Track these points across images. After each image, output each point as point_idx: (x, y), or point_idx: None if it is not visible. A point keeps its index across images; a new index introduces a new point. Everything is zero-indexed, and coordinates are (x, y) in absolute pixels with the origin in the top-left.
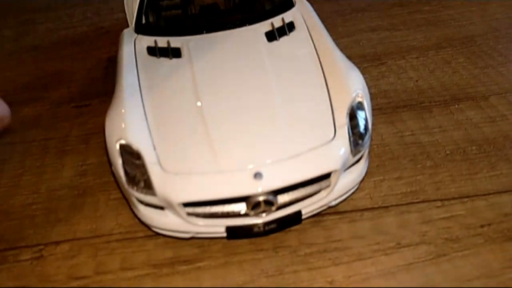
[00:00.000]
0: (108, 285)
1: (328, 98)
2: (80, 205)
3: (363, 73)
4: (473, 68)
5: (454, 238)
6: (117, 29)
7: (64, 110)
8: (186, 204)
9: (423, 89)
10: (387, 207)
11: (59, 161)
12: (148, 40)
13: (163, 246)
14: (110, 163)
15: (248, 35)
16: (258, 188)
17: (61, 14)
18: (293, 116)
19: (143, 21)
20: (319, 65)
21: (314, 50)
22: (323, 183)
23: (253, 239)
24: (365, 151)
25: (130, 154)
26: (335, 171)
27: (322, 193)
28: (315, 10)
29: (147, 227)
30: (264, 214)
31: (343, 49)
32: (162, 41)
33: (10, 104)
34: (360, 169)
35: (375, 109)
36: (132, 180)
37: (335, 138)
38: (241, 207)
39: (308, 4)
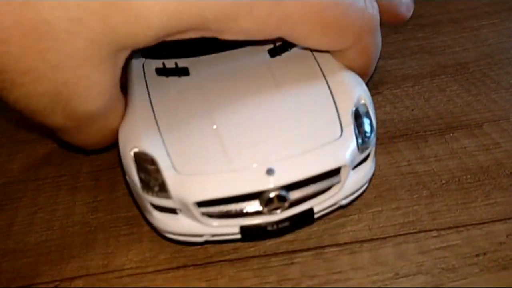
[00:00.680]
0: None
1: (332, 102)
2: (92, 241)
3: None
4: (466, 95)
5: (451, 268)
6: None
7: (74, 147)
8: (201, 204)
9: (419, 118)
10: (385, 238)
11: (71, 198)
12: (156, 63)
13: (172, 281)
14: (124, 173)
15: (252, 52)
16: (271, 183)
17: None
18: (300, 118)
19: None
20: (322, 74)
21: (315, 61)
22: (333, 179)
23: (257, 272)
24: (371, 149)
25: (144, 161)
26: (345, 166)
27: (333, 190)
28: None
29: (161, 235)
30: (278, 211)
31: None
32: (169, 63)
33: (23, 142)
34: (367, 168)
35: None
36: (147, 186)
37: (342, 135)
38: (255, 205)
39: None
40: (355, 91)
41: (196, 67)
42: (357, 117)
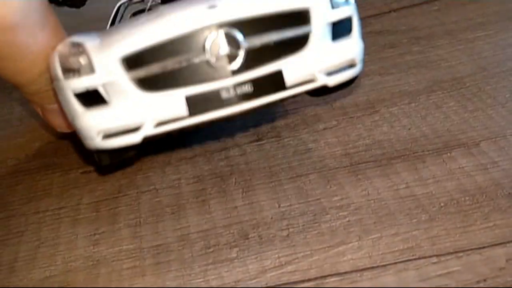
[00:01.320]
0: None
1: None
2: (95, 276)
3: (356, 122)
4: (463, 112)
5: None
6: None
7: (74, 176)
8: (130, 66)
9: (416, 137)
10: (385, 265)
11: (73, 231)
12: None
13: None
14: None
15: None
16: (212, 18)
17: None
18: None
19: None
20: None
21: None
22: (301, 29)
23: None
24: (352, 14)
25: (69, 49)
26: (312, 8)
27: (305, 48)
28: None
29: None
30: (234, 66)
31: (335, 97)
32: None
33: (23, 172)
34: (352, 42)
35: (369, 162)
36: (69, 70)
37: None
38: (199, 56)
39: None
40: None
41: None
42: None
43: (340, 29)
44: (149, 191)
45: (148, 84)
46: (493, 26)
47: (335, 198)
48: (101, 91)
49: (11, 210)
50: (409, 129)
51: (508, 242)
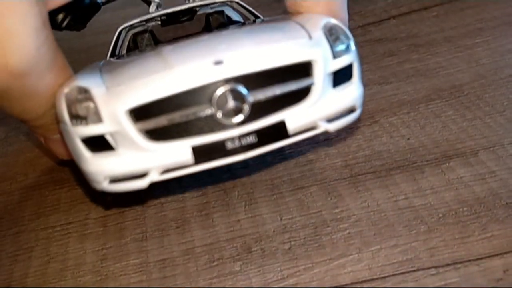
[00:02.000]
0: None
1: (299, 25)
2: None
3: (356, 133)
4: (461, 120)
5: None
6: None
7: (81, 191)
8: (137, 117)
9: (415, 147)
10: (384, 277)
11: (81, 246)
12: (118, 56)
13: None
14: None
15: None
16: (219, 74)
17: None
18: (259, 31)
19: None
20: (289, 19)
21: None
22: (304, 81)
23: None
24: (353, 62)
25: (75, 94)
26: (315, 61)
27: (308, 99)
28: None
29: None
30: (239, 118)
31: None
32: (129, 52)
33: (32, 188)
34: (353, 88)
35: (369, 173)
36: (77, 117)
37: (312, 39)
38: (205, 110)
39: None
40: (323, 17)
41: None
42: (330, 30)
43: (341, 76)
44: (155, 205)
45: (155, 134)
46: (491, 31)
47: (336, 210)
48: (109, 138)
49: (21, 226)
50: (408, 139)
51: (506, 253)
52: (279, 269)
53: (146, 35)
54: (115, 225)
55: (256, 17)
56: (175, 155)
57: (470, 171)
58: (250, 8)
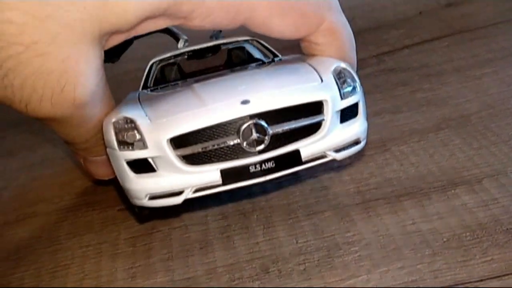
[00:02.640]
0: None
1: (312, 68)
2: None
3: (368, 161)
4: (468, 149)
5: None
6: None
7: (112, 214)
8: (176, 145)
9: (423, 175)
10: None
11: (113, 264)
12: (152, 89)
13: None
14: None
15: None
16: (245, 111)
17: None
18: (277, 73)
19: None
20: (303, 61)
21: (298, 60)
22: (316, 117)
23: None
24: (358, 101)
25: (122, 123)
26: (325, 101)
27: (319, 132)
28: None
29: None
30: (260, 147)
31: None
32: (162, 85)
33: (66, 209)
34: (358, 124)
35: (379, 199)
36: (124, 143)
37: (323, 82)
38: (233, 139)
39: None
40: (334, 61)
41: (187, 82)
42: (338, 74)
43: (347, 113)
44: (180, 227)
45: (191, 159)
46: (499, 62)
47: (348, 234)
48: (151, 162)
49: (58, 244)
50: (417, 167)
51: (504, 275)
52: None
53: (174, 67)
54: (143, 246)
55: (274, 55)
56: (206, 177)
57: (474, 198)
58: (269, 46)
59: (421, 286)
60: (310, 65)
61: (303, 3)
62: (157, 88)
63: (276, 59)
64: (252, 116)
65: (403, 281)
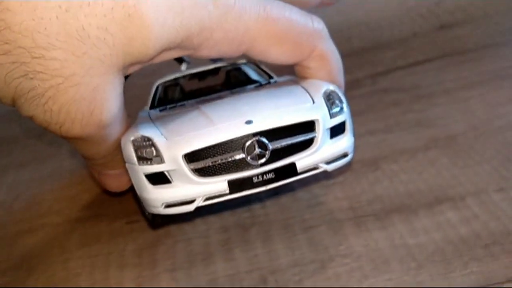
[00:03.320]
0: None
1: (305, 91)
2: None
3: (361, 178)
4: (454, 168)
5: None
6: None
7: (119, 226)
8: (190, 160)
9: (412, 192)
10: None
11: (120, 274)
12: (160, 109)
13: None
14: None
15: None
16: (249, 130)
17: None
18: (275, 96)
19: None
20: (297, 83)
21: (293, 83)
22: (308, 134)
23: None
24: (345, 120)
25: (141, 142)
26: (317, 120)
27: (311, 147)
28: None
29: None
30: (262, 160)
31: None
32: (170, 105)
33: (75, 220)
34: (345, 139)
35: (370, 215)
36: (143, 159)
37: (314, 103)
38: (239, 154)
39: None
40: (324, 84)
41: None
42: (328, 96)
43: (336, 130)
44: (183, 240)
45: (202, 172)
46: (486, 84)
47: (341, 247)
48: (167, 174)
49: (68, 254)
50: (406, 184)
51: (482, 287)
52: None
53: (177, 88)
54: (149, 257)
55: (270, 76)
56: (215, 187)
57: (457, 214)
58: (265, 68)
59: None
60: (303, 87)
61: (297, 34)
62: (165, 108)
63: (271, 80)
64: (255, 134)
65: None
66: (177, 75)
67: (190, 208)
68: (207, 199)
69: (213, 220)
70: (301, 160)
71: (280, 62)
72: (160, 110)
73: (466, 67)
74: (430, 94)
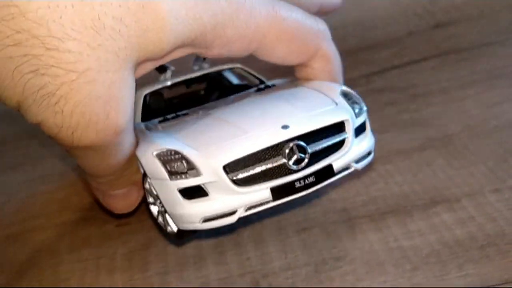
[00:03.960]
0: None
1: (321, 93)
2: None
3: (355, 180)
4: (449, 169)
5: None
6: None
7: (109, 229)
8: (229, 170)
9: (407, 193)
10: None
11: (111, 278)
12: (157, 120)
13: None
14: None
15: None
16: (287, 135)
17: None
18: (294, 99)
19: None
20: (305, 87)
21: (297, 84)
22: (341, 135)
23: None
24: (366, 118)
25: (167, 155)
26: (347, 120)
27: (344, 147)
28: None
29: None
30: (302, 164)
31: None
32: (170, 116)
33: (67, 224)
34: (368, 138)
35: (365, 216)
36: (175, 173)
37: (338, 105)
38: (280, 160)
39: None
40: (334, 85)
41: (196, 110)
42: (345, 95)
43: (359, 130)
44: (175, 243)
45: (242, 181)
46: (482, 84)
47: (334, 250)
48: (204, 187)
49: (59, 257)
50: (401, 185)
51: None
52: None
53: (170, 96)
54: (140, 260)
55: (261, 81)
56: (257, 195)
57: (453, 216)
58: (254, 73)
59: None
60: (316, 90)
61: (304, 34)
62: (166, 119)
63: (269, 84)
64: (292, 139)
65: None
66: (165, 83)
67: (231, 220)
68: (249, 208)
69: None
70: (337, 161)
71: (286, 62)
72: (160, 121)
73: (461, 66)
74: (425, 94)
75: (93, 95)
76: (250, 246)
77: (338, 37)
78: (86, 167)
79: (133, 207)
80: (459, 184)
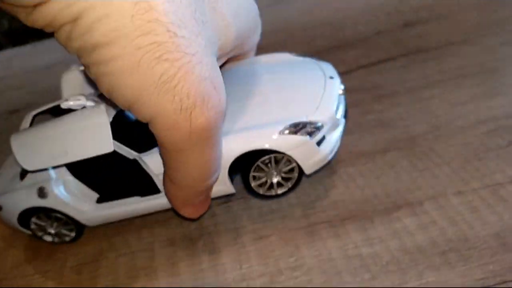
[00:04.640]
0: None
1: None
2: None
3: (316, 183)
4: (413, 171)
5: None
6: None
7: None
8: None
9: (368, 198)
10: None
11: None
12: None
13: None
14: None
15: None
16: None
17: None
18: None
19: None
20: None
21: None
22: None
23: None
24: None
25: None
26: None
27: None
28: None
29: None
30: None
31: None
32: None
33: (14, 237)
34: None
35: (324, 222)
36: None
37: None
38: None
39: None
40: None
41: None
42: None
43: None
44: (126, 254)
45: None
46: (448, 83)
47: (291, 259)
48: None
49: (2, 274)
50: (363, 189)
51: None
52: None
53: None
54: (89, 273)
55: None
56: None
57: (415, 220)
58: None
59: None
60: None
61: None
62: None
63: None
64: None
65: None
66: (54, 104)
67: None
68: None
69: (159, 231)
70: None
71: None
72: None
73: (428, 66)
74: (391, 94)
75: (202, 75)
76: (204, 256)
77: (307, 38)
78: (187, 173)
79: (204, 210)
80: (422, 187)
